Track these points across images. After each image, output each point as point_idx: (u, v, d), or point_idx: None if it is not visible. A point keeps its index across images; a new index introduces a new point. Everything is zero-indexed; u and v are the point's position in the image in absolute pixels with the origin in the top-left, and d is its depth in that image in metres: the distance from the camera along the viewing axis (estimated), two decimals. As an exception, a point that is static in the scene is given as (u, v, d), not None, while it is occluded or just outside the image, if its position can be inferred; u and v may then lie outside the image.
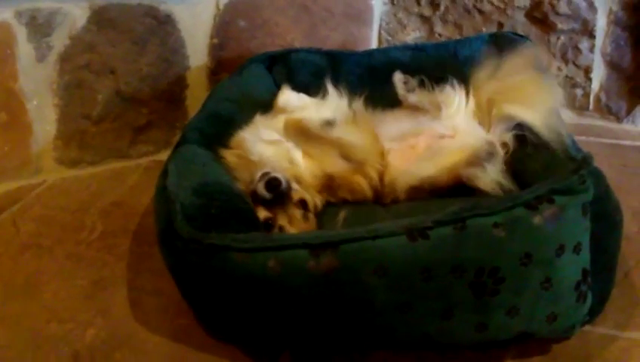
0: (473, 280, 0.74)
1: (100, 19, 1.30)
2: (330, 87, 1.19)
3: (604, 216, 0.81)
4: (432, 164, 1.05)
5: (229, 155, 1.06)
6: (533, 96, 1.08)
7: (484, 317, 0.77)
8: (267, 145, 1.05)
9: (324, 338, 0.83)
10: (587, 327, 0.89)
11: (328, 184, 1.06)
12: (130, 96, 1.38)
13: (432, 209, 0.84)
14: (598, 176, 0.81)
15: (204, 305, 0.88)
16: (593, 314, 0.84)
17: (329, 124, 1.09)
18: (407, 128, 1.13)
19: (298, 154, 1.06)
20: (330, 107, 1.16)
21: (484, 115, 1.11)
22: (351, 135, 1.08)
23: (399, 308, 0.76)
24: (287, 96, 1.16)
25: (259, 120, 1.11)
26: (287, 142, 1.06)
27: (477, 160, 1.03)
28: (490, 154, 1.02)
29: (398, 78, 1.23)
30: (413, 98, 1.18)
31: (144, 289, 1.05)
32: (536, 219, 0.74)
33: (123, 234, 1.19)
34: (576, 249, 0.77)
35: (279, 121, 1.10)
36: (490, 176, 1.00)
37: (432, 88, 1.18)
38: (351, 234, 0.77)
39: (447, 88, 1.15)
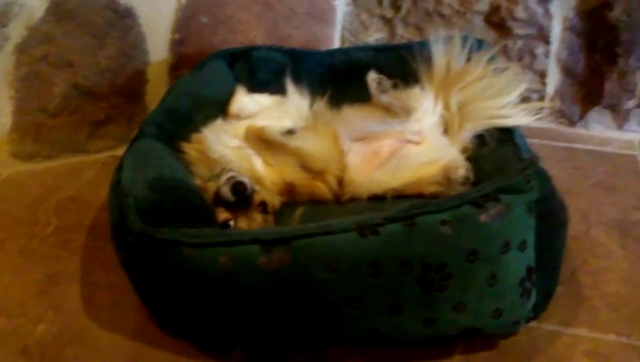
0: (421, 276, 0.75)
1: (58, 10, 1.28)
2: (290, 87, 1.19)
3: (550, 215, 0.83)
4: (397, 177, 1.06)
5: (189, 149, 1.05)
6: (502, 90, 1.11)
7: (432, 313, 0.79)
8: (228, 148, 1.05)
9: (276, 333, 0.84)
10: (533, 324, 0.92)
11: (288, 190, 1.06)
12: (89, 90, 1.36)
13: (386, 207, 0.85)
14: (543, 177, 0.84)
15: (157, 301, 0.88)
16: (538, 310, 0.87)
17: (289, 132, 1.09)
18: (372, 129, 1.12)
19: (258, 162, 1.06)
20: (290, 109, 1.16)
21: (453, 117, 1.12)
22: (311, 144, 1.08)
23: (349, 303, 0.77)
24: (241, 103, 1.16)
25: (220, 124, 1.11)
26: (247, 148, 1.06)
27: (447, 181, 1.02)
28: (467, 179, 1.01)
29: (372, 77, 1.22)
30: (385, 99, 1.17)
31: (98, 285, 1.04)
32: (483, 217, 0.76)
33: (78, 228, 1.18)
34: (521, 246, 0.79)
35: (240, 127, 1.10)
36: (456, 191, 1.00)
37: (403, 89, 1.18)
38: (303, 230, 0.78)
39: (417, 91, 1.16)
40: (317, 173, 1.06)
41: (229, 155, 1.04)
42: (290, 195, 1.07)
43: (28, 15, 1.26)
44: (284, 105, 1.18)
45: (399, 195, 1.05)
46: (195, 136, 1.07)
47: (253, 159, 1.06)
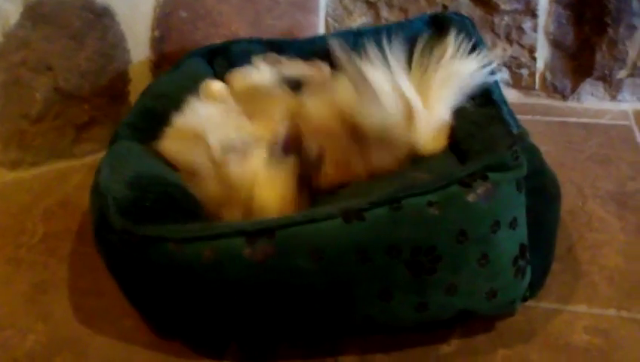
0: (410, 260, 0.74)
1: (33, 14, 1.25)
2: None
3: (541, 190, 0.81)
4: None
5: (167, 144, 1.01)
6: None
7: (424, 297, 0.77)
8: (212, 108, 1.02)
9: (268, 327, 0.82)
10: (531, 303, 0.90)
11: None
12: (71, 93, 1.34)
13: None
14: (532, 152, 0.81)
15: (145, 301, 0.86)
16: (534, 289, 0.85)
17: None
18: None
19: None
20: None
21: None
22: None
23: (338, 291, 0.76)
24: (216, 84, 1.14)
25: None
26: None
27: None
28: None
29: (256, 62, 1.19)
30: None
31: (87, 291, 1.02)
32: (471, 197, 0.74)
33: (66, 235, 1.16)
34: (512, 224, 0.77)
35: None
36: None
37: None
38: (286, 219, 0.76)
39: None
40: None
41: (216, 119, 1.00)
42: None
43: (3, 21, 1.24)
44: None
45: None
46: (171, 128, 1.03)
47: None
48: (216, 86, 1.14)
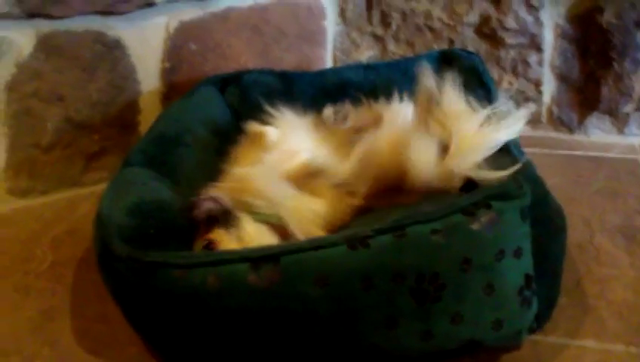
0: (414, 287, 0.73)
1: (46, 46, 1.28)
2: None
3: (545, 220, 0.81)
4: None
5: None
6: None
7: (429, 325, 0.76)
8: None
9: (273, 355, 0.81)
10: (538, 336, 0.89)
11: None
12: (81, 124, 1.36)
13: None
14: (536, 182, 0.82)
15: (150, 329, 0.86)
16: (541, 320, 0.84)
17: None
18: None
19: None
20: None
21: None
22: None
23: (343, 318, 0.75)
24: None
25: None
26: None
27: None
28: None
29: (327, 114, 1.16)
30: (348, 124, 1.11)
31: (93, 318, 1.02)
32: (474, 225, 0.74)
33: (74, 262, 1.16)
34: (517, 253, 0.76)
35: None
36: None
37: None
38: (292, 246, 0.76)
39: (394, 103, 1.14)
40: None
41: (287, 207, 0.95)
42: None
43: (16, 52, 1.26)
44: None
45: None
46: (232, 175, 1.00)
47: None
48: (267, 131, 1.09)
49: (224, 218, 0.89)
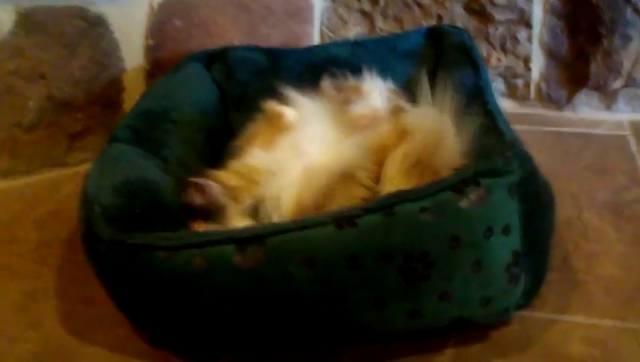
0: (403, 266, 0.73)
1: (27, 22, 1.25)
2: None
3: (534, 197, 0.80)
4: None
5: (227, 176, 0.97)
6: None
7: (418, 304, 0.76)
8: None
9: (261, 337, 0.81)
10: (526, 312, 0.89)
11: None
12: (64, 102, 1.33)
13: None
14: (525, 158, 0.81)
15: (136, 310, 0.85)
16: (528, 297, 0.84)
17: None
18: None
19: None
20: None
21: None
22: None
23: (331, 299, 0.75)
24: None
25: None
26: None
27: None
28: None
29: (325, 86, 1.16)
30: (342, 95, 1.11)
31: (78, 300, 1.01)
32: (463, 202, 0.73)
33: (58, 243, 1.15)
34: (505, 231, 0.76)
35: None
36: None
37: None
38: (277, 226, 0.75)
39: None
40: None
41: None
42: None
43: (-4, 29, 1.24)
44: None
45: None
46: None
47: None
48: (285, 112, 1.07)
49: (209, 211, 0.88)
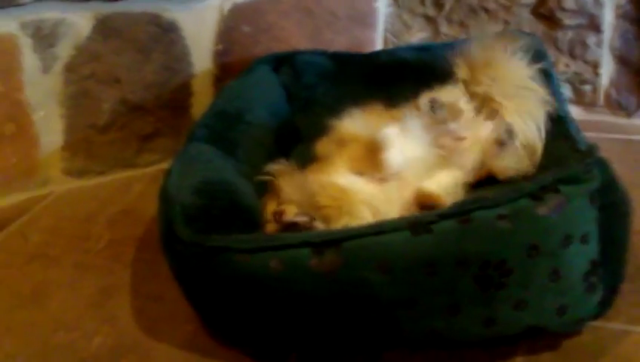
0: (478, 274, 0.72)
1: (104, 28, 1.30)
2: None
3: (611, 206, 0.79)
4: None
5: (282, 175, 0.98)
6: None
7: (492, 312, 0.75)
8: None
9: (331, 338, 0.82)
10: (599, 323, 0.87)
11: None
12: (136, 105, 1.38)
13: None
14: (603, 166, 0.80)
15: (209, 309, 0.88)
16: (604, 307, 0.82)
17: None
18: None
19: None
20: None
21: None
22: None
23: (405, 304, 0.75)
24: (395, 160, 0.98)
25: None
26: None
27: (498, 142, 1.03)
28: (510, 132, 1.02)
29: (424, 102, 1.09)
30: (441, 115, 1.06)
31: (150, 296, 1.04)
32: (542, 210, 0.72)
33: (130, 241, 1.19)
34: (584, 239, 0.75)
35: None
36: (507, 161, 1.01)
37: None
38: (353, 230, 0.76)
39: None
40: None
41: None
42: None
43: (75, 34, 1.29)
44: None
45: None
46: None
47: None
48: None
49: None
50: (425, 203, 0.95)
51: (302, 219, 0.89)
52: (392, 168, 0.96)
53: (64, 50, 1.29)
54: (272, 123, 1.19)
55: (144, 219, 1.24)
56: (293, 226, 0.88)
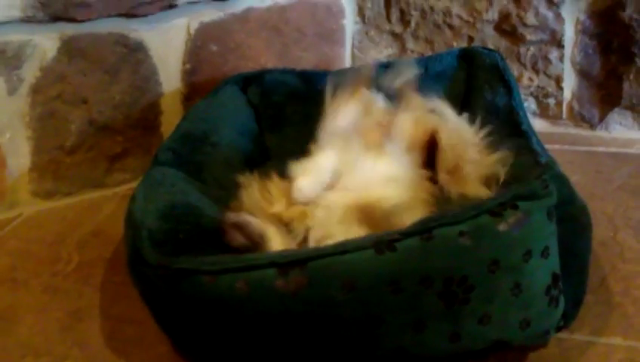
0: (442, 290, 0.73)
1: (70, 49, 1.30)
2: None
3: (571, 219, 0.81)
4: None
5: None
6: None
7: (457, 327, 0.76)
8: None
9: (299, 358, 0.82)
10: (565, 334, 0.89)
11: None
12: (104, 125, 1.37)
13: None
14: (562, 180, 0.81)
15: (178, 332, 0.87)
16: (568, 319, 0.84)
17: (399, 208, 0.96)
18: None
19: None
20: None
21: None
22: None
23: (371, 322, 0.76)
24: (303, 193, 0.97)
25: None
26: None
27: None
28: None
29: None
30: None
31: (121, 319, 1.03)
32: (502, 226, 0.74)
33: (100, 263, 1.18)
34: (544, 253, 0.76)
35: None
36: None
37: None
38: (318, 250, 0.76)
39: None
40: None
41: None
42: None
43: (40, 56, 1.28)
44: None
45: None
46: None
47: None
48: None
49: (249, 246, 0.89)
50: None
51: (243, 219, 0.89)
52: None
53: (30, 72, 1.28)
54: (241, 143, 1.19)
55: (114, 240, 1.24)
56: (237, 228, 0.89)
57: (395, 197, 0.97)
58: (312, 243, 0.90)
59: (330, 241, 0.85)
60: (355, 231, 0.90)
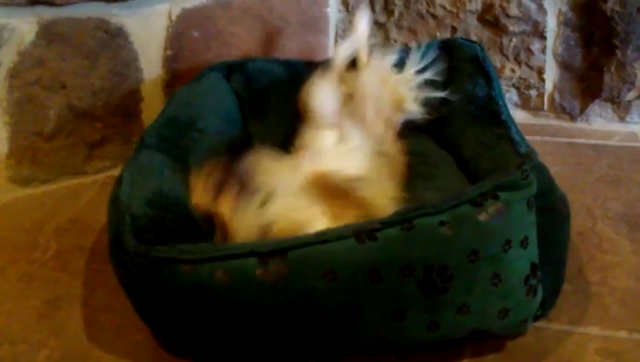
0: (422, 279, 0.74)
1: (48, 33, 1.27)
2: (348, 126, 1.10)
3: (550, 209, 0.82)
4: None
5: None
6: None
7: (436, 316, 0.77)
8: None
9: (279, 348, 0.82)
10: (542, 323, 0.90)
11: None
12: (83, 111, 1.35)
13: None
14: (541, 171, 0.82)
15: (157, 320, 0.87)
16: (545, 308, 0.85)
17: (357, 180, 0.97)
18: None
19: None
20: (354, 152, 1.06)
21: None
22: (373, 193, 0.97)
23: (351, 311, 0.76)
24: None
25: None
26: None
27: None
28: None
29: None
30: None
31: (99, 307, 1.03)
32: (482, 216, 0.74)
33: (78, 251, 1.17)
34: (523, 243, 0.77)
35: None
36: None
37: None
38: (299, 239, 0.76)
39: None
40: None
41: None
42: None
43: (18, 40, 1.26)
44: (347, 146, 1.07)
45: None
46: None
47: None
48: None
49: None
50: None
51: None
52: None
53: (7, 56, 1.25)
54: (225, 130, 1.18)
55: (93, 228, 1.23)
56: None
57: (353, 170, 0.97)
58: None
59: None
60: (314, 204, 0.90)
